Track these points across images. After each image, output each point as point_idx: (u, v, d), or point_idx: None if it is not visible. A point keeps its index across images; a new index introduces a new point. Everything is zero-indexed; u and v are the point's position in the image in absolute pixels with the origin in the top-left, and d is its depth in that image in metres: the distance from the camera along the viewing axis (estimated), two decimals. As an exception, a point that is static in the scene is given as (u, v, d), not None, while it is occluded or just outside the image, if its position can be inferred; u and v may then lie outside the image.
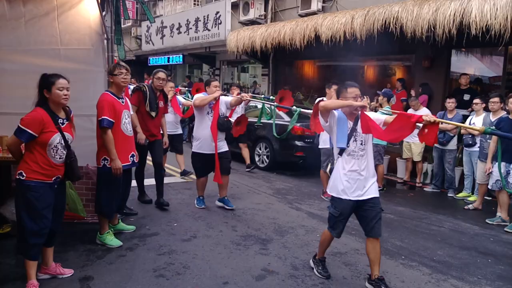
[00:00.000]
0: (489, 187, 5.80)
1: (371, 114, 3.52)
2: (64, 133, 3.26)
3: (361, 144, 3.44)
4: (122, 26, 5.54)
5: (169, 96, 6.59)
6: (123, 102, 4.23)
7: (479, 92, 8.36)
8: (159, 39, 16.44)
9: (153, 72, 5.58)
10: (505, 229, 5.37)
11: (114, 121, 4.00)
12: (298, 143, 8.19)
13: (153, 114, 5.35)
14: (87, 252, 4.03)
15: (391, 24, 7.57)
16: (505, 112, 5.84)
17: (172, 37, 15.66)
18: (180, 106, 7.44)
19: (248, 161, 8.46)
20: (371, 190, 3.45)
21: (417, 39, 7.45)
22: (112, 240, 4.21)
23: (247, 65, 15.73)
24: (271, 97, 6.90)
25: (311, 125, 4.28)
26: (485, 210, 6.20)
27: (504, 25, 6.23)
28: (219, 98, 5.30)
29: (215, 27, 13.20)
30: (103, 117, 3.93)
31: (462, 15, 6.66)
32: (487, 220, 5.68)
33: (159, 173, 5.55)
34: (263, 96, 6.96)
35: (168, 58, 16.73)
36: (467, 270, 4.08)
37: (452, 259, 4.35)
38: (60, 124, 3.26)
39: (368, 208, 3.45)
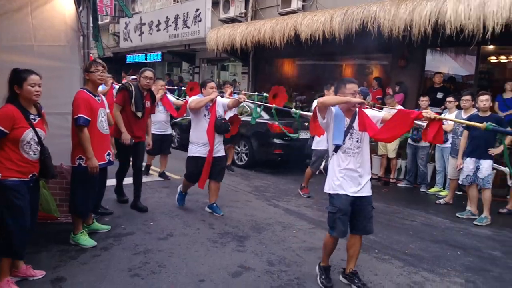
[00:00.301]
0: (460, 182, 5.99)
1: (369, 112, 3.51)
2: (37, 129, 3.24)
3: (357, 141, 3.41)
4: (100, 22, 5.46)
5: (159, 95, 6.50)
6: (99, 100, 4.20)
7: (452, 91, 8.59)
8: (138, 36, 16.27)
9: (140, 71, 5.40)
10: (474, 222, 5.56)
11: (90, 119, 3.98)
12: (276, 141, 8.26)
13: (139, 114, 5.19)
14: (60, 252, 3.98)
15: (369, 23, 7.71)
16: (476, 110, 6.02)
17: (151, 34, 15.52)
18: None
19: (229, 161, 8.34)
20: (366, 187, 3.45)
21: (393, 38, 7.60)
22: (86, 240, 4.17)
23: (227, 63, 15.74)
24: (264, 94, 6.89)
25: (311, 129, 4.23)
26: (456, 204, 6.41)
27: (477, 25, 6.42)
28: (215, 99, 5.16)
29: (195, 24, 13.15)
30: (79, 115, 3.89)
31: (437, 15, 6.84)
32: (457, 214, 5.87)
33: (138, 177, 5.42)
34: (256, 93, 6.82)
35: (146, 55, 16.54)
36: (437, 262, 4.22)
37: (423, 252, 4.48)
38: (32, 120, 3.23)
39: (362, 206, 3.44)
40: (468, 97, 6.26)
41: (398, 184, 7.75)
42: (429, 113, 3.09)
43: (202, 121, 5.18)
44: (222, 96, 5.56)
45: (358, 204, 3.43)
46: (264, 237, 4.68)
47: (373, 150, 8.40)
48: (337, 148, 3.43)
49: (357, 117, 3.38)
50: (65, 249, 4.05)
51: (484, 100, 5.61)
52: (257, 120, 6.71)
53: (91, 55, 5.34)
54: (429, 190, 7.24)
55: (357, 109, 3.37)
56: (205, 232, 4.74)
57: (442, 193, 6.92)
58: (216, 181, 5.34)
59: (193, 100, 5.17)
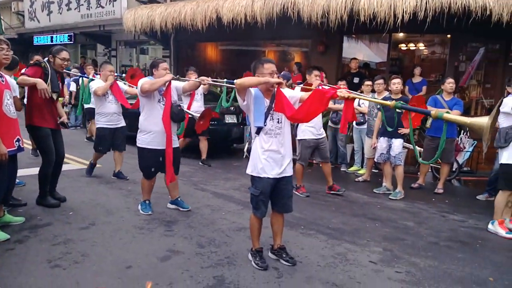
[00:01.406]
0: (375, 160, 6.40)
1: (287, 92, 3.52)
2: None
3: (278, 122, 3.43)
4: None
5: (109, 82, 5.83)
6: (3, 81, 3.83)
7: (367, 76, 9.10)
8: (46, 16, 15.08)
9: (54, 50, 4.79)
10: (390, 197, 5.99)
11: None
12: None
13: (55, 96, 4.66)
14: (-32, 247, 3.62)
15: (289, 9, 7.84)
16: (388, 92, 6.46)
17: (60, 13, 14.47)
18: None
19: (204, 155, 7.70)
20: (288, 168, 3.51)
21: (313, 24, 7.82)
22: (-3, 234, 3.80)
23: (146, 46, 15.17)
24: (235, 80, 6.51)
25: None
26: (373, 181, 6.87)
27: (389, 13, 6.84)
28: (170, 82, 4.52)
29: (109, 4, 12.52)
30: None
31: (352, 3, 7.16)
32: (374, 190, 6.28)
33: (60, 166, 4.96)
34: (225, 79, 6.22)
35: (51, 37, 15.29)
36: (358, 234, 4.48)
37: (345, 226, 4.74)
38: None
39: (283, 186, 3.52)
40: (381, 81, 6.68)
41: (320, 165, 8.07)
42: (343, 92, 3.23)
43: (156, 107, 4.55)
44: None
45: (279, 184, 3.51)
46: (192, 220, 4.63)
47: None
48: (259, 130, 3.43)
49: (275, 98, 3.40)
50: (-28, 245, 3.68)
51: (396, 83, 6.05)
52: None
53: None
54: (349, 169, 7.68)
55: (275, 89, 3.37)
56: (130, 220, 4.57)
57: (361, 172, 7.36)
58: (174, 174, 4.82)
59: (146, 81, 4.50)
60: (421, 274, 3.58)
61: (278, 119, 3.43)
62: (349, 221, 4.93)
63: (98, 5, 12.87)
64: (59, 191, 5.11)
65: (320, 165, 6.22)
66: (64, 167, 6.59)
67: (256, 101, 3.37)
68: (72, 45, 16.30)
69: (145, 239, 4.04)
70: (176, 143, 4.75)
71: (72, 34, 14.86)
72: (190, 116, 6.04)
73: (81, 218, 4.53)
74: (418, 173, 6.90)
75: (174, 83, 4.70)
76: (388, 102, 3.41)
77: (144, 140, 4.62)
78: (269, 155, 3.42)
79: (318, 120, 5.78)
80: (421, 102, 5.27)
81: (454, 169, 7.20)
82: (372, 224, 4.86)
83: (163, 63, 4.63)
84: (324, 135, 6.02)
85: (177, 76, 4.64)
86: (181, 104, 4.89)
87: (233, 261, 3.66)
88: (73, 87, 10.46)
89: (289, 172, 3.54)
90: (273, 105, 3.39)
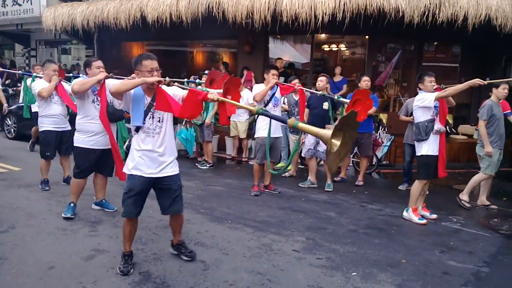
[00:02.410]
0: (302, 155, 6.69)
1: (170, 89, 3.39)
2: None
3: (159, 121, 3.28)
4: None
5: (54, 82, 5.34)
6: None
7: (292, 75, 9.44)
8: (-45, 13, 13.89)
9: None
10: (325, 189, 6.28)
11: None
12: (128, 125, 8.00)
13: None
14: None
15: (214, 8, 7.93)
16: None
17: (-28, 11, 13.39)
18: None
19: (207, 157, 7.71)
20: (169, 167, 3.35)
21: (238, 24, 7.98)
22: None
23: (69, 45, 14.55)
24: (198, 80, 6.22)
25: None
26: (299, 176, 7.16)
27: (310, 14, 7.16)
28: (104, 81, 4.29)
29: (27, 2, 11.85)
30: None
31: (275, 3, 7.40)
32: (300, 184, 6.56)
33: None
34: (186, 80, 6.02)
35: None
36: (283, 226, 4.69)
37: (271, 218, 4.93)
38: None
39: (165, 186, 3.37)
40: (296, 80, 7.00)
41: (249, 162, 8.26)
42: (214, 94, 3.19)
43: (91, 108, 4.42)
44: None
45: (160, 184, 3.37)
46: (118, 220, 4.54)
47: (226, 133, 8.80)
48: (138, 128, 3.27)
49: (156, 96, 3.24)
50: None
51: (319, 80, 6.39)
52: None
53: None
54: (276, 166, 7.90)
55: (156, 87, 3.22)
56: (53, 222, 4.42)
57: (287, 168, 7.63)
58: (104, 176, 4.83)
59: (76, 82, 4.37)
60: (341, 259, 3.85)
61: (160, 118, 3.28)
62: (275, 214, 5.13)
63: (15, 3, 12.12)
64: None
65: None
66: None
67: (136, 99, 3.22)
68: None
69: (68, 240, 3.95)
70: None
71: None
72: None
73: (-2, 222, 4.33)
74: (340, 167, 7.30)
75: (110, 82, 4.24)
76: (251, 107, 3.43)
77: (81, 139, 4.50)
78: (145, 153, 3.27)
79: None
80: (367, 95, 5.64)
81: (373, 163, 7.71)
82: (297, 216, 5.09)
83: (96, 61, 4.47)
84: (280, 135, 6.06)
85: (111, 74, 4.52)
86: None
87: (160, 257, 3.70)
88: None
89: (171, 172, 3.37)
90: (154, 103, 3.23)
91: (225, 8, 7.77)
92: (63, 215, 4.55)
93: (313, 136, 6.30)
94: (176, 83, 4.75)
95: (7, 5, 12.40)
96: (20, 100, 11.07)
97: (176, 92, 3.40)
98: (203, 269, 3.50)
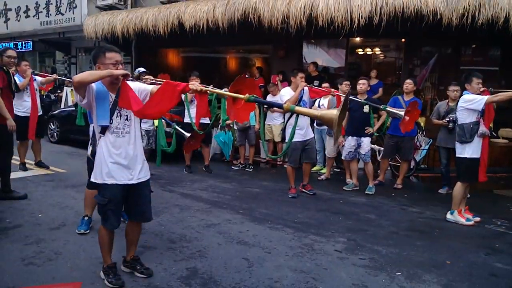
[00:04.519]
0: (342, 158, 6.66)
1: (135, 85, 3.11)
2: None
3: (127, 119, 3.01)
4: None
5: (28, 77, 6.15)
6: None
7: (326, 79, 9.45)
8: (3, 23, 14.66)
9: (1, 50, 5.23)
10: (366, 192, 6.26)
11: None
12: (167, 129, 8.19)
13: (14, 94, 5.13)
14: None
15: (250, 14, 8.04)
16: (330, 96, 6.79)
17: (18, 21, 14.10)
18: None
19: (207, 162, 7.71)
20: (142, 171, 3.11)
21: (273, 30, 8.07)
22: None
23: (107, 53, 14.97)
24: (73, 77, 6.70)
25: (229, 114, 3.52)
26: (334, 179, 7.16)
27: (345, 17, 7.16)
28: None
29: (69, 11, 12.33)
30: None
31: (311, 8, 7.44)
32: (344, 188, 6.52)
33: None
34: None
35: (16, 44, 14.91)
36: (323, 227, 4.71)
37: (310, 219, 4.96)
38: None
39: (140, 192, 3.12)
40: (326, 84, 7.04)
41: (284, 165, 8.28)
42: (196, 85, 2.87)
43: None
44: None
45: (134, 190, 3.09)
46: (162, 219, 4.71)
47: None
48: (104, 129, 2.96)
49: (120, 92, 2.94)
50: None
51: (361, 83, 6.41)
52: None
53: None
54: (312, 169, 7.90)
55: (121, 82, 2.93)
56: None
57: (323, 170, 7.63)
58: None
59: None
60: (384, 260, 3.83)
61: (127, 115, 3.01)
62: (314, 215, 5.14)
63: (58, 12, 12.64)
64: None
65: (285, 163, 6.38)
66: (27, 173, 6.53)
67: (99, 96, 2.91)
68: (31, 52, 15.87)
69: (116, 237, 4.04)
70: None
71: (30, 41, 14.50)
72: (179, 133, 5.99)
73: (50, 219, 4.53)
74: (378, 171, 7.24)
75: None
76: (241, 96, 2.90)
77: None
78: (118, 158, 2.98)
79: (306, 122, 5.81)
80: (415, 106, 5.80)
81: (411, 166, 7.60)
82: (336, 218, 5.09)
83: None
84: (311, 136, 6.07)
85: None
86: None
87: (205, 254, 3.79)
88: None
89: (144, 176, 3.12)
90: (118, 100, 2.94)
91: (261, 13, 7.86)
92: (76, 231, 4.19)
93: (353, 138, 6.34)
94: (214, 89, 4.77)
95: (50, 14, 12.96)
96: (62, 106, 11.58)
97: (143, 87, 3.13)
98: (247, 266, 3.57)
